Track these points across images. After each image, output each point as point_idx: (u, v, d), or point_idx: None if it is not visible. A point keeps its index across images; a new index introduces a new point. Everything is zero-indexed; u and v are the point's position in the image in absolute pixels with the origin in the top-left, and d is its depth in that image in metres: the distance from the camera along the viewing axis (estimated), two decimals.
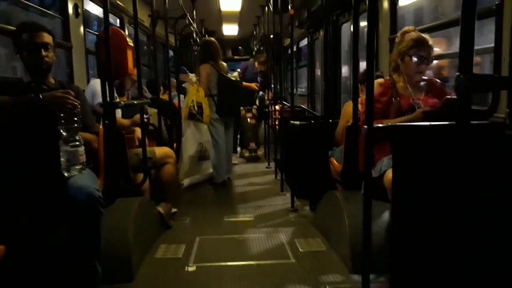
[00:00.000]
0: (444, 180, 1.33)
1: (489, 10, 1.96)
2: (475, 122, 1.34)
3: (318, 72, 6.30)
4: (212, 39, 4.48)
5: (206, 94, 4.00)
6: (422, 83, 2.28)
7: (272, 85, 5.47)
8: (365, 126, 1.52)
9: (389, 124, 2.10)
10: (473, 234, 1.33)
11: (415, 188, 1.39)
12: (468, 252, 1.34)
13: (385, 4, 3.21)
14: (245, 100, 5.49)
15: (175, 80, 4.85)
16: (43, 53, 1.90)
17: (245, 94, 5.43)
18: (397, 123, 2.10)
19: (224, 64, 4.23)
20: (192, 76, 4.18)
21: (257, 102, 6.11)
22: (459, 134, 1.02)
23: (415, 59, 2.17)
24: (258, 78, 5.96)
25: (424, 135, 1.35)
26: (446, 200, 1.34)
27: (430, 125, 1.37)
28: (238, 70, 6.00)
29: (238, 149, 5.91)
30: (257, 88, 5.94)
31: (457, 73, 0.96)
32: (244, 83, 5.40)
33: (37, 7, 3.00)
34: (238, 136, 5.89)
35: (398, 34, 2.33)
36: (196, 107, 3.90)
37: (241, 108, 5.47)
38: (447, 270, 1.35)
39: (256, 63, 6.05)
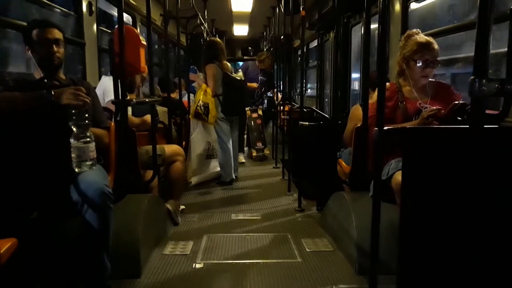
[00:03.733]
0: (454, 183, 1.32)
1: (504, 15, 1.95)
2: (487, 126, 1.34)
3: (327, 73, 6.29)
4: (217, 39, 4.49)
5: (213, 94, 4.03)
6: (428, 87, 2.26)
7: (281, 85, 5.46)
8: (376, 128, 1.52)
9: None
10: (482, 237, 1.33)
11: (424, 191, 1.39)
12: (477, 255, 1.34)
13: (397, 7, 3.20)
14: (248, 99, 5.49)
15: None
16: (54, 48, 1.92)
17: (248, 94, 5.42)
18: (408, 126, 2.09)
19: (228, 64, 4.25)
20: (202, 76, 4.21)
21: (257, 103, 6.09)
22: (472, 138, 1.02)
23: (420, 63, 2.14)
24: (260, 77, 5.94)
25: (436, 138, 1.35)
26: (456, 204, 1.34)
27: (443, 128, 1.37)
28: (239, 70, 6.00)
29: (246, 148, 5.92)
30: (256, 87, 5.90)
31: (472, 77, 0.96)
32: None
33: (52, 4, 3.04)
34: (245, 136, 5.90)
35: (402, 38, 2.27)
36: (202, 107, 3.93)
37: (247, 108, 5.47)
38: (455, 273, 1.35)
39: (256, 62, 6.03)
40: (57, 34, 1.94)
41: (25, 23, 2.03)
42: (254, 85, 5.81)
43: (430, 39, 2.19)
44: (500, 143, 1.33)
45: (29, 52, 1.94)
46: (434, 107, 2.10)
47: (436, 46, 2.15)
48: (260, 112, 5.93)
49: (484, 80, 0.94)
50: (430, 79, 2.24)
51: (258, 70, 5.97)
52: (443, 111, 2.06)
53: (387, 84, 2.32)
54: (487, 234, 1.36)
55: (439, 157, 1.34)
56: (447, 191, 1.36)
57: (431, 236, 1.41)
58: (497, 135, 1.31)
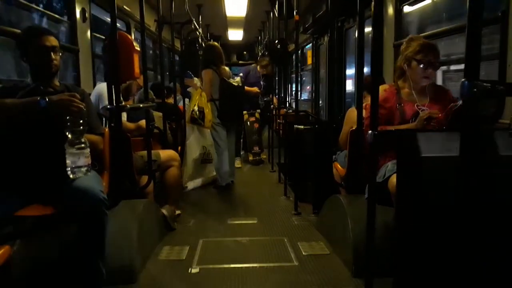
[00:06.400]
0: (449, 185, 1.33)
1: (495, 17, 1.97)
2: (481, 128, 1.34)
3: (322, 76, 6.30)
4: (215, 43, 4.47)
5: (209, 99, 4.02)
6: (427, 89, 2.27)
7: (277, 90, 5.48)
8: (370, 131, 1.53)
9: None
10: (477, 239, 1.33)
11: (419, 193, 1.40)
12: (471, 257, 1.34)
13: (390, 10, 3.23)
14: (247, 104, 5.49)
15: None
16: (52, 56, 1.93)
17: (248, 99, 5.42)
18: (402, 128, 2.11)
19: (227, 69, 4.23)
20: (197, 81, 4.21)
21: (260, 107, 6.10)
22: (465, 140, 1.02)
23: (422, 64, 2.16)
24: (261, 82, 5.94)
25: (430, 141, 1.36)
26: (451, 206, 1.35)
27: (436, 130, 1.37)
28: (241, 74, 5.98)
29: (242, 152, 5.92)
30: (258, 91, 5.90)
31: (463, 79, 0.97)
32: (246, 87, 5.39)
33: (46, 11, 3.04)
34: (241, 140, 5.90)
35: (404, 41, 2.31)
36: (198, 112, 3.93)
37: (244, 112, 5.46)
38: (450, 275, 1.35)
39: (258, 67, 6.04)
40: (54, 42, 1.94)
41: (19, 31, 2.02)
42: (255, 89, 5.82)
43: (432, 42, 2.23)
44: (494, 145, 1.33)
45: (24, 59, 1.94)
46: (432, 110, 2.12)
47: (438, 49, 2.18)
48: (257, 116, 5.93)
49: (475, 82, 0.95)
50: (429, 83, 2.26)
51: (259, 75, 5.96)
52: (440, 115, 2.08)
53: (386, 85, 2.34)
54: (483, 236, 1.36)
55: (433, 159, 1.34)
56: (442, 193, 1.36)
57: (426, 238, 1.41)
58: (491, 137, 1.32)
